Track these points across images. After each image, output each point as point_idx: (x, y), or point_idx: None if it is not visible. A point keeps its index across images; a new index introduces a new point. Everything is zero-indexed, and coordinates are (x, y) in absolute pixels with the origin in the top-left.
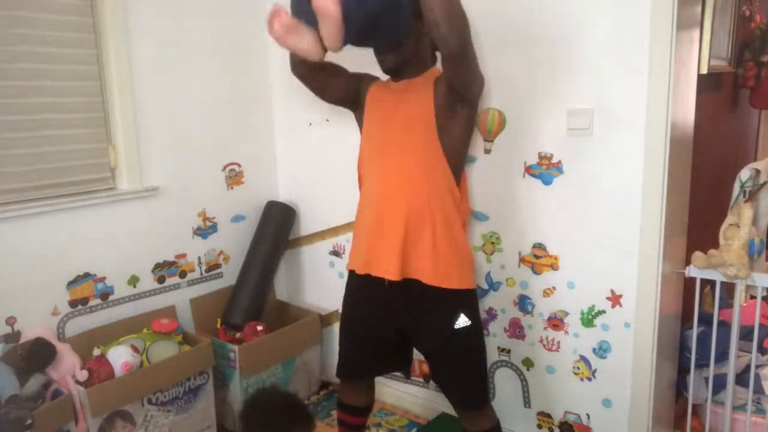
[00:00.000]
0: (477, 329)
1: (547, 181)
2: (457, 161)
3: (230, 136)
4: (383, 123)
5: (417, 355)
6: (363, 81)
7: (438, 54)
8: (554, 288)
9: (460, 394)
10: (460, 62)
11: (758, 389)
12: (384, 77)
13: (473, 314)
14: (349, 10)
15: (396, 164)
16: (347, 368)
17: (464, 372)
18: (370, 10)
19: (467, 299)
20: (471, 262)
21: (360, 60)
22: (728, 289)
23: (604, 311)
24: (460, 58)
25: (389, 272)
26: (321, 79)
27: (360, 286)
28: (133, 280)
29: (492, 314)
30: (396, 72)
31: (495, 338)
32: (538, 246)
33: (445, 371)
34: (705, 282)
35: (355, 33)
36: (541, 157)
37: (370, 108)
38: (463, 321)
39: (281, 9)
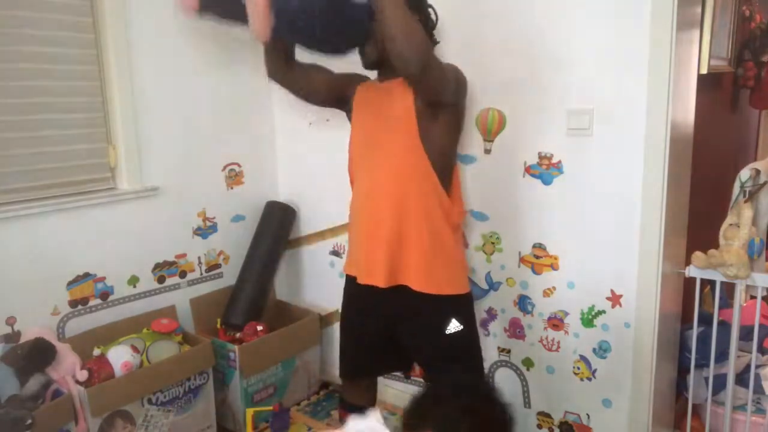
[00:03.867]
0: (470, 334)
1: (547, 181)
2: (444, 164)
3: (230, 136)
4: (367, 125)
5: None
6: (351, 81)
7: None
8: (554, 288)
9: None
10: (423, 78)
11: (758, 389)
12: (373, 75)
13: (465, 319)
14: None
15: (380, 168)
16: (347, 368)
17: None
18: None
19: (458, 304)
20: (461, 267)
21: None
22: (728, 289)
23: (604, 311)
24: (423, 76)
25: (376, 279)
26: (299, 81)
27: (354, 289)
28: (133, 280)
29: (492, 314)
30: (378, 66)
31: (495, 338)
32: (538, 246)
33: (438, 378)
34: (705, 282)
35: (287, 25)
36: (541, 157)
37: (356, 109)
38: (454, 326)
39: None
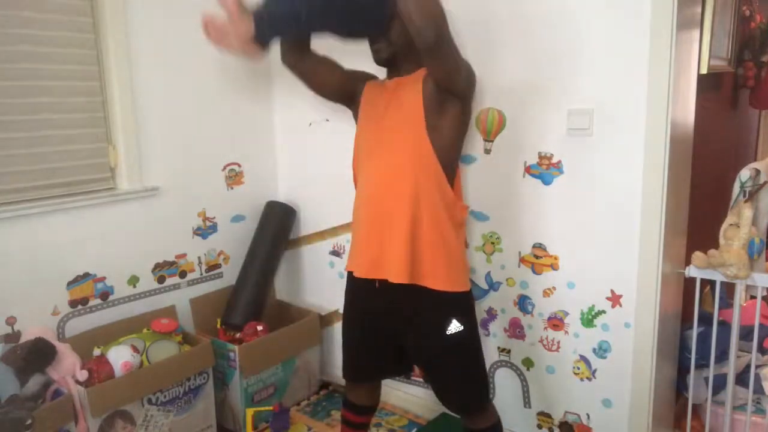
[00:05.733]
0: (471, 333)
1: (547, 181)
2: (450, 159)
3: (230, 136)
4: (374, 123)
5: None
6: (359, 79)
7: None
8: (554, 288)
9: (457, 399)
10: (438, 54)
11: (758, 389)
12: (381, 74)
13: (466, 318)
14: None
15: (385, 165)
16: (349, 371)
17: (460, 377)
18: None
19: (458, 303)
20: (462, 264)
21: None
22: (728, 289)
23: (604, 311)
24: (438, 50)
25: (388, 274)
26: (311, 70)
27: (356, 286)
28: (133, 280)
29: (492, 314)
30: (389, 64)
31: (495, 338)
32: (538, 246)
33: (440, 378)
34: (705, 282)
35: (272, 24)
36: (541, 157)
37: (363, 108)
38: (455, 327)
39: (209, 18)
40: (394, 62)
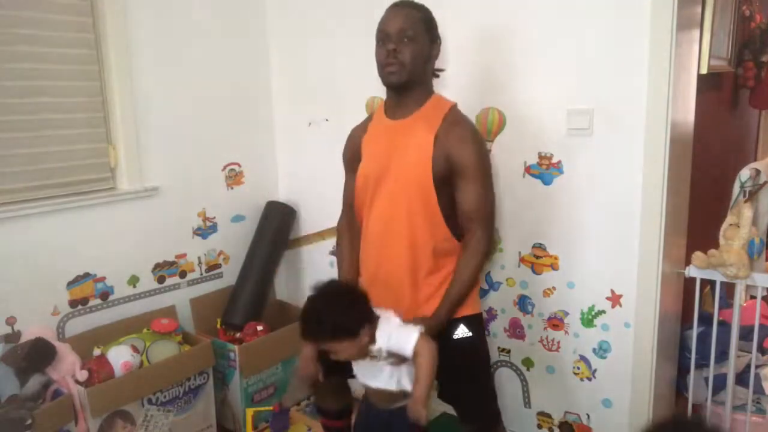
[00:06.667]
0: (479, 343)
1: (547, 181)
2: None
3: (230, 136)
4: (377, 167)
5: None
6: (355, 145)
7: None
8: (554, 288)
9: (461, 408)
10: None
11: (758, 389)
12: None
13: (475, 329)
14: None
15: (390, 210)
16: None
17: (465, 385)
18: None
19: (465, 319)
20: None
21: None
22: (728, 289)
23: (604, 311)
24: None
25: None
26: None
27: None
28: (133, 280)
29: (492, 314)
30: (402, 88)
31: (495, 338)
32: (538, 246)
33: (446, 384)
34: (705, 282)
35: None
36: (541, 157)
37: (365, 151)
38: (462, 331)
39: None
40: (407, 86)
